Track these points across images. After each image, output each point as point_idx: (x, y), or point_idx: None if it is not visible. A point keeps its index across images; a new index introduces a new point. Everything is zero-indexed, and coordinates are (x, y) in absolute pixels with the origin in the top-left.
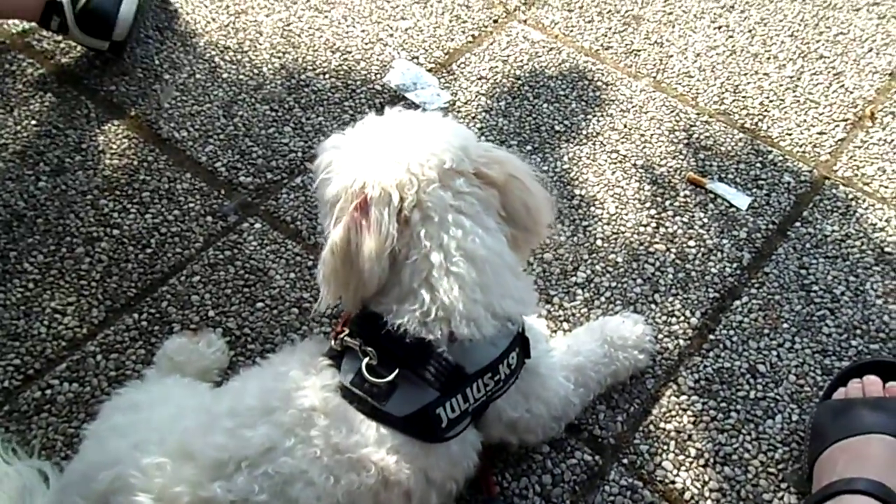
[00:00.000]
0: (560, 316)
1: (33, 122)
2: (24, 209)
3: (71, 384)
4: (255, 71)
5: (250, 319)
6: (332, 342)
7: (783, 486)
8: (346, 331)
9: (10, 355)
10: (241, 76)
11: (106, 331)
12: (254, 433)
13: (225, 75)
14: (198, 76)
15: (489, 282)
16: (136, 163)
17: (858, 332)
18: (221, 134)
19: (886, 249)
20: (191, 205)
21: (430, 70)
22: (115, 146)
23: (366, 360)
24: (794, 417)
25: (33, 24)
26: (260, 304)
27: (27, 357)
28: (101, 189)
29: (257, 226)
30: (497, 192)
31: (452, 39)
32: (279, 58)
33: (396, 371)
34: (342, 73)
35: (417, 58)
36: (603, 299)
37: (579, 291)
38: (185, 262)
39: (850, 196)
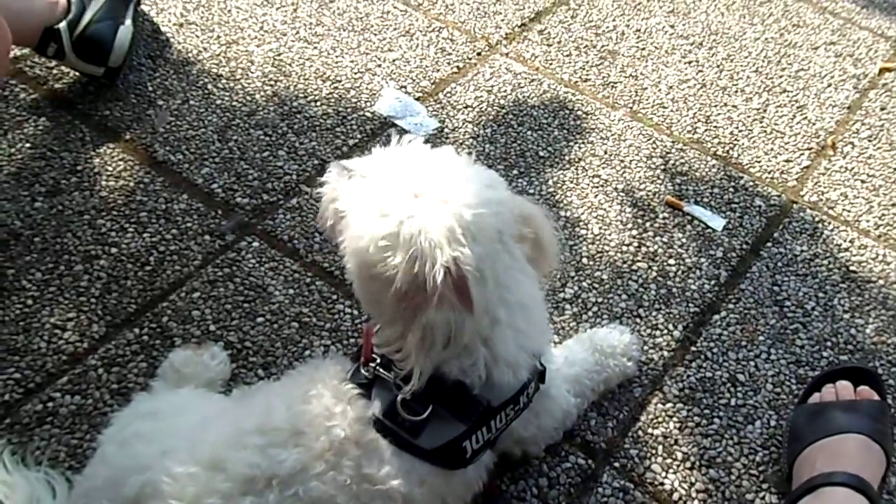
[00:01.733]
0: (551, 330)
1: (27, 145)
2: (21, 228)
3: (73, 397)
4: (248, 98)
5: (251, 333)
6: (362, 369)
7: (764, 486)
8: (377, 359)
9: (10, 370)
10: (234, 103)
11: (107, 345)
12: (286, 455)
13: (218, 101)
14: (191, 102)
15: (531, 328)
16: (132, 184)
17: (829, 344)
18: (217, 157)
19: (851, 268)
20: (188, 224)
21: (417, 98)
22: (110, 168)
23: (400, 395)
24: (773, 423)
25: (25, 50)
26: (260, 319)
27: (27, 371)
28: (98, 209)
29: (255, 244)
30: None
31: (438, 70)
32: (271, 86)
33: (430, 409)
34: (333, 100)
35: (405, 87)
36: (590, 314)
37: (568, 307)
38: (185, 279)
39: (817, 219)
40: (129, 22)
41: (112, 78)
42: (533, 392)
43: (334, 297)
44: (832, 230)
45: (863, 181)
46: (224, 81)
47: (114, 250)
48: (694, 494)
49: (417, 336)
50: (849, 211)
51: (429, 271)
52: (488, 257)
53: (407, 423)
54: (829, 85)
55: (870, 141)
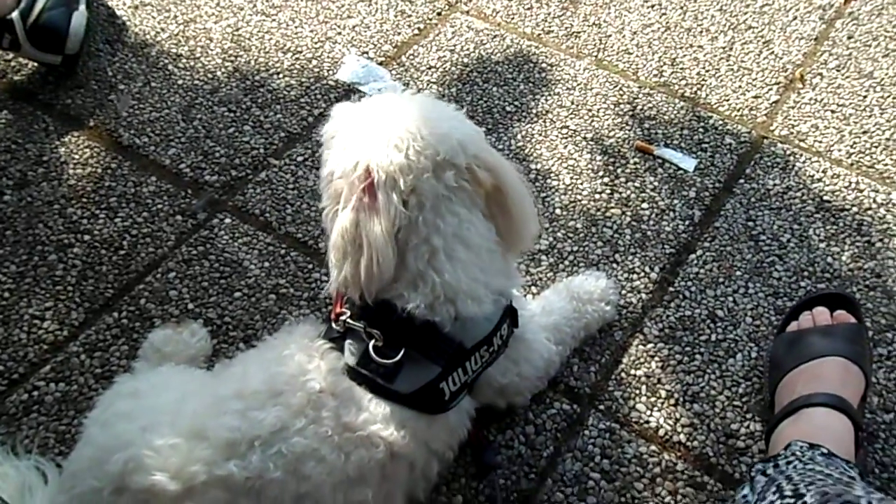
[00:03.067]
0: (528, 281)
1: None
2: None
3: (57, 384)
4: (210, 75)
5: (229, 308)
6: (333, 324)
7: (748, 416)
8: (347, 312)
9: None
10: (196, 81)
11: (87, 331)
12: (265, 415)
13: (180, 81)
14: (153, 84)
15: (485, 263)
16: (99, 171)
17: (806, 274)
18: (182, 137)
19: (825, 198)
20: (159, 206)
21: (380, 63)
22: (76, 156)
23: (372, 342)
24: (754, 355)
25: None
26: (238, 294)
27: (10, 363)
28: (68, 198)
29: (227, 221)
30: (483, 193)
31: (399, 33)
32: (232, 61)
33: (403, 351)
34: (295, 71)
35: (367, 53)
36: (567, 263)
37: (544, 258)
38: (160, 261)
39: (788, 152)
40: (83, 7)
41: (71, 66)
42: (507, 335)
43: (310, 266)
44: (804, 162)
45: (833, 111)
46: (184, 61)
47: (87, 237)
48: (679, 429)
49: (332, 238)
50: (820, 142)
51: (343, 164)
52: (412, 171)
53: (381, 368)
54: (795, 18)
55: (838, 70)
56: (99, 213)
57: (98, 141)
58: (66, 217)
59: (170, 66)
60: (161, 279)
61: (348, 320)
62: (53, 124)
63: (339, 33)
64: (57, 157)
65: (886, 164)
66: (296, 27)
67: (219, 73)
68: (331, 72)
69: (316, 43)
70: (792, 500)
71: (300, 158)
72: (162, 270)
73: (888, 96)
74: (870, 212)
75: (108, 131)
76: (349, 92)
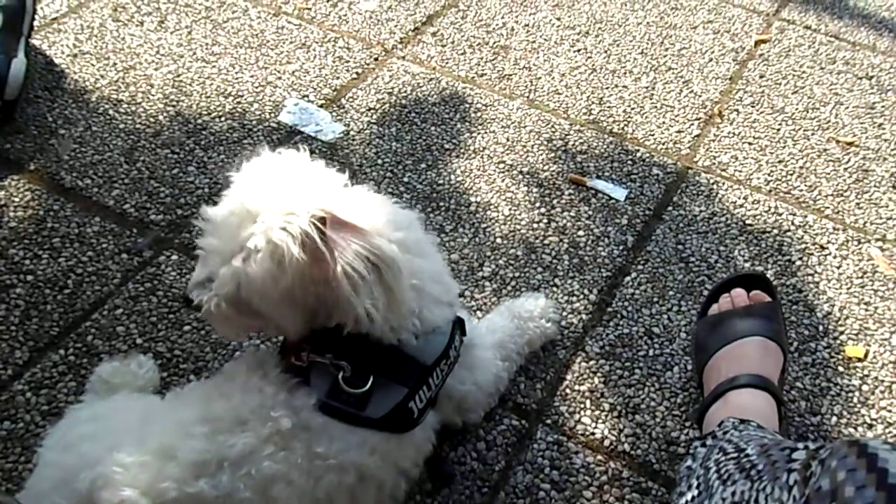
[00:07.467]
0: (473, 306)
1: None
2: None
3: (2, 423)
4: (152, 119)
5: (179, 342)
6: (294, 360)
7: (687, 424)
8: (308, 347)
9: None
10: (137, 125)
11: (32, 369)
12: (234, 440)
13: (122, 126)
14: (94, 128)
15: (434, 272)
16: (41, 212)
17: None
18: (126, 178)
19: (747, 222)
20: (104, 245)
21: (321, 106)
22: (17, 199)
23: (340, 373)
24: (689, 367)
25: None
26: (187, 328)
27: None
28: (9, 240)
29: (174, 258)
30: None
31: (338, 77)
32: (173, 106)
33: (372, 379)
34: (237, 115)
35: (307, 96)
36: (509, 288)
37: (487, 283)
38: (106, 298)
39: (711, 181)
40: (21, 55)
41: (9, 112)
42: (459, 344)
43: None
44: (727, 189)
45: (750, 143)
46: (125, 106)
47: (30, 277)
48: (623, 439)
49: (345, 284)
50: (740, 171)
51: (299, 241)
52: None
53: (352, 398)
54: (711, 60)
55: (753, 107)
56: (42, 254)
57: (39, 184)
58: (7, 258)
59: (111, 111)
60: (108, 316)
61: (312, 355)
62: None
63: (279, 78)
64: None
65: (801, 190)
66: (236, 73)
67: (161, 118)
68: (272, 114)
69: (256, 87)
70: (735, 455)
71: None
72: (108, 307)
73: (799, 129)
74: (789, 233)
75: (49, 174)
76: (291, 133)
